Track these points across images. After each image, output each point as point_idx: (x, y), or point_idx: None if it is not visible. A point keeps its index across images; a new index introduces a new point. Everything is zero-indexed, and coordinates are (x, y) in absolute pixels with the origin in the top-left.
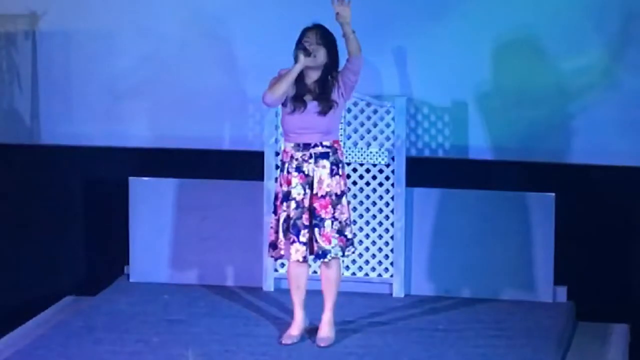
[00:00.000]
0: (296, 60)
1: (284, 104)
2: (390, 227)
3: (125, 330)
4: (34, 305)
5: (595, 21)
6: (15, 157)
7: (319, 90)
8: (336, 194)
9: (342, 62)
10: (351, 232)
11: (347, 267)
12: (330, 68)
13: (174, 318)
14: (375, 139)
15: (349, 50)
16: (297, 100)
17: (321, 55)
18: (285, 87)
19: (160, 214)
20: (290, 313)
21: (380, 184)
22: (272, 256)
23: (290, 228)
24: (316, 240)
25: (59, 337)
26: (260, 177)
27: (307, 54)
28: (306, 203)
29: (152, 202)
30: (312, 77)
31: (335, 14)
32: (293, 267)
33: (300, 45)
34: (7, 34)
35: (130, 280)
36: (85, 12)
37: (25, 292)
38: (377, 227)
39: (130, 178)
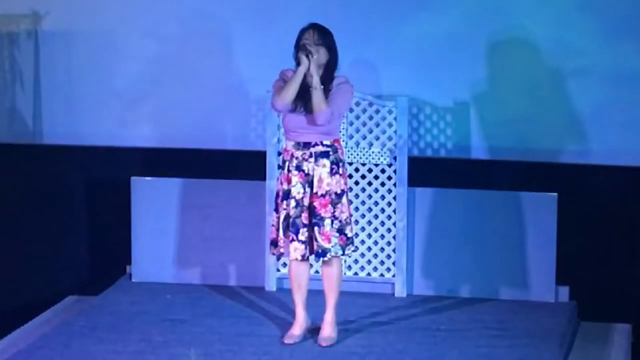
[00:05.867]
0: (298, 62)
1: None
2: (392, 227)
3: (128, 330)
4: (36, 304)
5: (596, 20)
6: (17, 156)
7: None
8: (336, 193)
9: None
10: (351, 230)
11: (349, 267)
12: (332, 65)
13: (176, 318)
14: (377, 138)
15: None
16: (298, 99)
17: (322, 54)
18: (294, 91)
19: (163, 213)
20: (292, 313)
21: (383, 184)
22: (273, 253)
23: (290, 226)
24: (316, 239)
25: (61, 336)
26: (263, 177)
27: (308, 53)
28: (306, 202)
29: (154, 202)
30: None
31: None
32: (294, 266)
33: (301, 47)
34: (9, 34)
35: (133, 280)
36: (88, 12)
37: (27, 291)
38: (379, 226)
39: (132, 178)
